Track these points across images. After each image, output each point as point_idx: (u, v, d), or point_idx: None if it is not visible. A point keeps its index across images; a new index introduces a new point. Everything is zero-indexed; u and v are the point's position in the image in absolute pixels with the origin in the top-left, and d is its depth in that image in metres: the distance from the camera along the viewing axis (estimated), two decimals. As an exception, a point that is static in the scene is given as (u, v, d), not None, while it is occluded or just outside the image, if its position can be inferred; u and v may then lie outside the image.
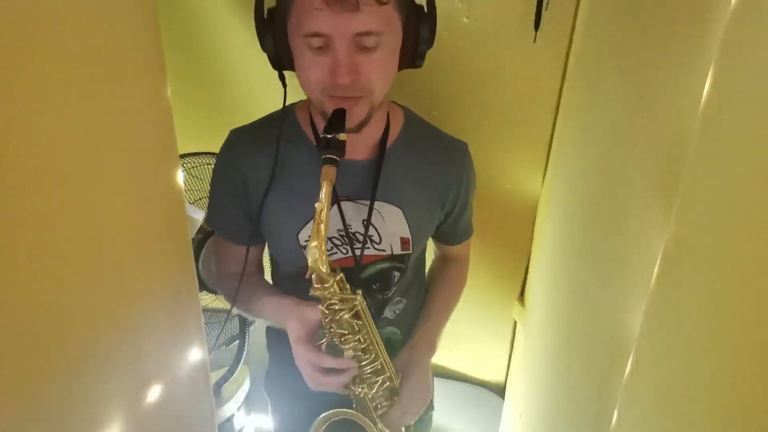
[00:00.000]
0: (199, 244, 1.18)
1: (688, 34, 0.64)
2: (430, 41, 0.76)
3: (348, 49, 0.69)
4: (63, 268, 0.56)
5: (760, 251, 0.41)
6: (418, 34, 0.74)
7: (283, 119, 0.83)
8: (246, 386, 1.51)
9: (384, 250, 0.90)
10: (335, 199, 0.85)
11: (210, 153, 1.22)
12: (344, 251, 0.89)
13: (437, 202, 0.93)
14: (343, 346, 0.78)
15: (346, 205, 0.86)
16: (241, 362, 1.44)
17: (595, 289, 0.95)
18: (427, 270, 1.10)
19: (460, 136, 0.95)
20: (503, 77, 1.16)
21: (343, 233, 0.87)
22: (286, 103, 0.83)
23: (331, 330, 0.77)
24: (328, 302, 0.74)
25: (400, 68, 0.77)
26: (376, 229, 0.89)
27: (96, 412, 0.63)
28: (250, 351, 1.45)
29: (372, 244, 0.89)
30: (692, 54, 0.62)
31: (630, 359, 0.62)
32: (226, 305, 1.33)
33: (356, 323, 0.77)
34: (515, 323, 1.57)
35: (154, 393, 0.73)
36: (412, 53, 0.76)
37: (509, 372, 1.66)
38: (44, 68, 0.50)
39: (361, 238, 0.88)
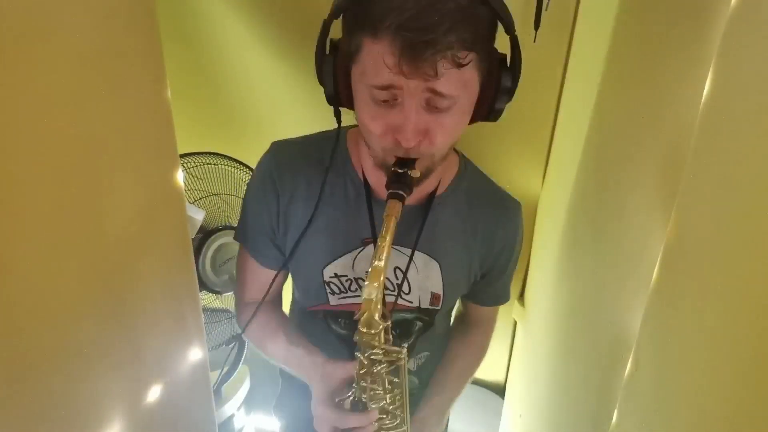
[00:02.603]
0: (199, 244, 1.18)
1: (688, 34, 0.64)
2: (510, 96, 0.67)
3: (418, 107, 0.61)
4: (63, 267, 0.56)
5: (760, 251, 0.41)
6: (498, 89, 0.65)
7: (334, 153, 0.77)
8: (246, 386, 1.51)
9: (411, 302, 0.84)
10: (373, 241, 0.79)
11: (210, 153, 1.22)
12: None
13: (477, 260, 0.86)
14: (371, 404, 0.70)
15: None
16: (241, 362, 1.44)
17: (595, 289, 0.95)
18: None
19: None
20: (503, 77, 1.16)
21: None
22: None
23: (363, 384, 0.69)
24: (369, 351, 0.67)
25: (471, 122, 0.69)
26: (407, 280, 0.82)
27: (96, 411, 0.63)
28: (250, 351, 1.45)
29: (400, 294, 0.83)
30: (692, 54, 0.62)
31: (630, 359, 0.62)
32: (227, 305, 1.33)
33: (393, 380, 0.70)
34: (515, 323, 1.57)
35: (154, 393, 0.73)
36: (488, 108, 0.67)
37: (509, 372, 1.66)
38: (44, 69, 0.50)
39: (389, 286, 0.81)
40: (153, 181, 0.69)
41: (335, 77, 0.66)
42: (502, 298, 0.97)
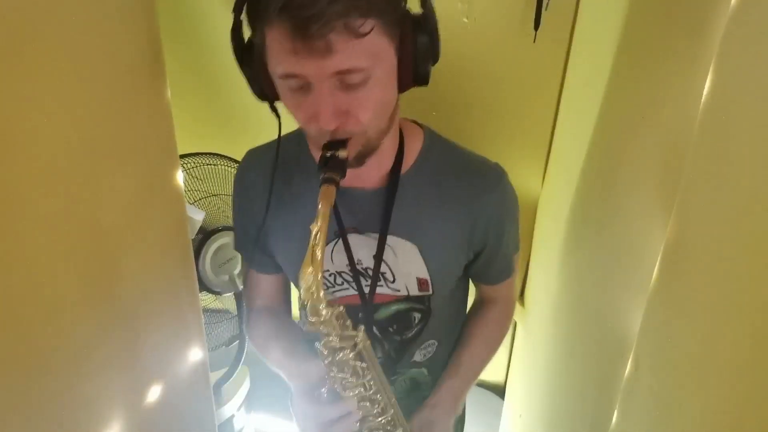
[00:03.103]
0: (199, 245, 1.18)
1: (688, 34, 0.64)
2: (434, 56, 0.64)
3: (330, 89, 0.58)
4: (64, 268, 0.56)
5: (760, 250, 0.41)
6: (417, 52, 0.62)
7: (278, 146, 0.76)
8: (246, 386, 1.51)
9: (399, 291, 0.81)
10: (342, 232, 0.78)
11: (210, 153, 1.22)
12: (356, 288, 0.81)
13: (463, 238, 0.81)
14: (344, 394, 0.69)
15: (354, 239, 0.79)
16: (241, 362, 1.44)
17: (595, 289, 0.95)
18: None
19: (459, 136, 0.91)
20: (503, 77, 1.16)
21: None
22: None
23: (332, 375, 0.68)
24: (325, 340, 0.65)
25: (402, 90, 0.66)
26: (389, 266, 0.80)
27: (97, 411, 0.63)
28: (250, 351, 1.45)
29: (386, 283, 0.81)
30: (692, 54, 0.62)
31: (630, 359, 0.62)
32: (227, 305, 1.33)
33: (359, 366, 0.68)
34: (515, 323, 1.57)
35: (154, 393, 0.73)
36: (414, 73, 0.64)
37: (509, 372, 1.66)
38: (44, 69, 0.50)
39: (371, 274, 0.80)
40: (153, 181, 0.69)
41: (257, 73, 0.64)
42: (505, 272, 0.91)
